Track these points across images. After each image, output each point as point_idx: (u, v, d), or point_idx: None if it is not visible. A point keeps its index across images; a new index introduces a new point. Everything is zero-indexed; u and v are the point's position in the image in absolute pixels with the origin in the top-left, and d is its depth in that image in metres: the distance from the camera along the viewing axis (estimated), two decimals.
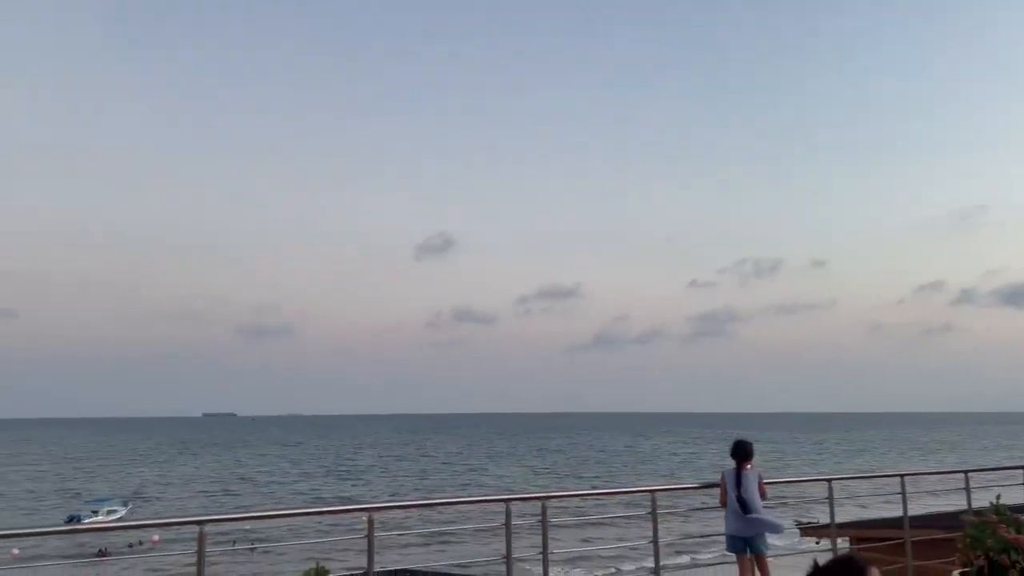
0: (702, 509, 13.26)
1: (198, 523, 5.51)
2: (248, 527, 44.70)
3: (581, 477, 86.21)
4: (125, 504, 62.52)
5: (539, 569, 8.29)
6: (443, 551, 40.06)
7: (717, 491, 9.32)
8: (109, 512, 58.76)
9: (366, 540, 6.71)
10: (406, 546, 38.87)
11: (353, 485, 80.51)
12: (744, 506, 8.86)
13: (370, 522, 6.64)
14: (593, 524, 41.19)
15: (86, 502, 62.94)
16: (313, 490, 75.77)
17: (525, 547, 8.59)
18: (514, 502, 7.91)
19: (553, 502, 8.34)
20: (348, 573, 6.84)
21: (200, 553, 5.51)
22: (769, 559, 9.08)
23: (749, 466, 9.08)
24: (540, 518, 7.92)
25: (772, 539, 9.16)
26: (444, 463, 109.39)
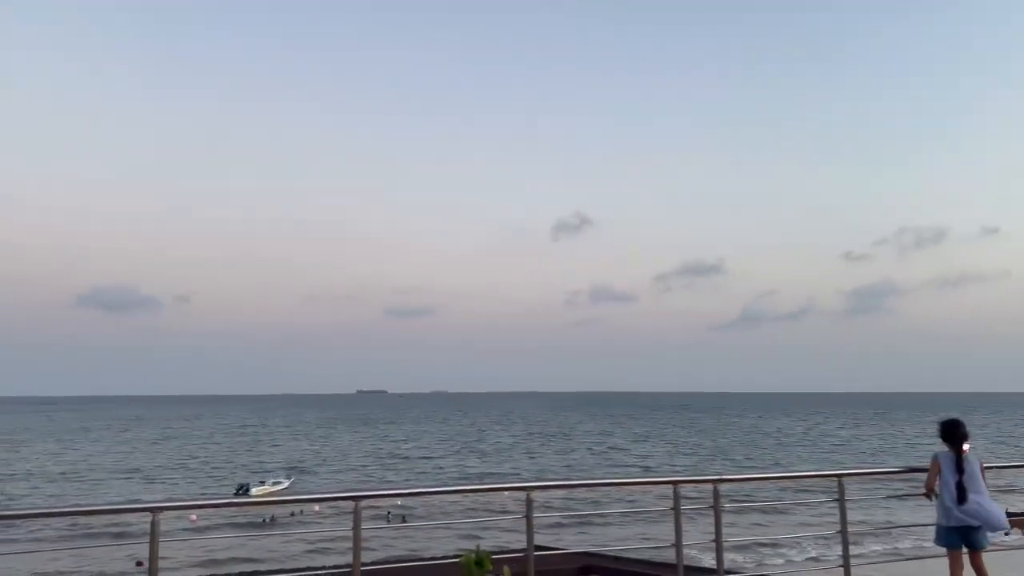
0: (898, 497, 11.69)
1: (353, 499, 5.56)
2: (400, 503, 46.01)
3: (730, 459, 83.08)
4: (288, 476, 66.25)
5: (710, 556, 7.47)
6: (602, 534, 39.19)
7: (914, 478, 8.60)
8: (274, 483, 62.43)
9: (524, 520, 6.17)
10: (561, 527, 38.35)
11: (497, 463, 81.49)
12: (964, 495, 7.81)
13: (528, 502, 6.15)
14: (765, 510, 39.03)
15: (253, 473, 67.18)
16: (459, 467, 77.30)
17: (691, 532, 7.66)
18: (682, 485, 7.34)
19: (725, 486, 7.72)
20: (507, 554, 6.15)
21: (356, 527, 5.32)
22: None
23: (966, 449, 8.02)
24: (711, 503, 7.34)
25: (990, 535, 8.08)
26: (589, 442, 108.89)
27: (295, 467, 75.31)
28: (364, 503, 5.72)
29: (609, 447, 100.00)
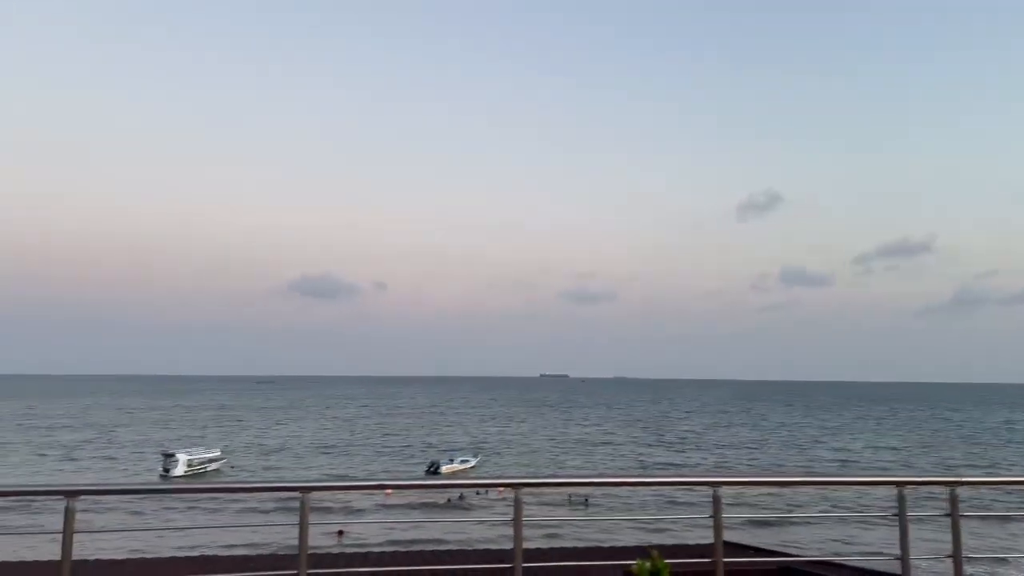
0: None
1: (513, 486, 5.32)
2: (571, 491, 45.25)
3: (949, 457, 74.99)
4: (475, 455, 68.10)
5: (943, 568, 5.90)
6: (799, 536, 36.32)
7: None
8: (462, 461, 64.41)
9: (712, 520, 5.21)
10: (750, 524, 36.01)
11: (682, 452, 79.01)
12: None
13: (716, 499, 5.12)
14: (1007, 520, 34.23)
15: (444, 450, 69.72)
16: (641, 455, 75.67)
17: (916, 540, 6.07)
18: (908, 486, 5.98)
19: (964, 490, 6.12)
20: (690, 559, 5.24)
21: (517, 514, 4.91)
22: None
23: None
24: (948, 509, 5.92)
25: None
26: (782, 435, 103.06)
27: (480, 447, 77.29)
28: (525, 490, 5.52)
29: (807, 440, 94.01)
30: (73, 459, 67.74)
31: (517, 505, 4.97)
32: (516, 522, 4.89)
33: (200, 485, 4.78)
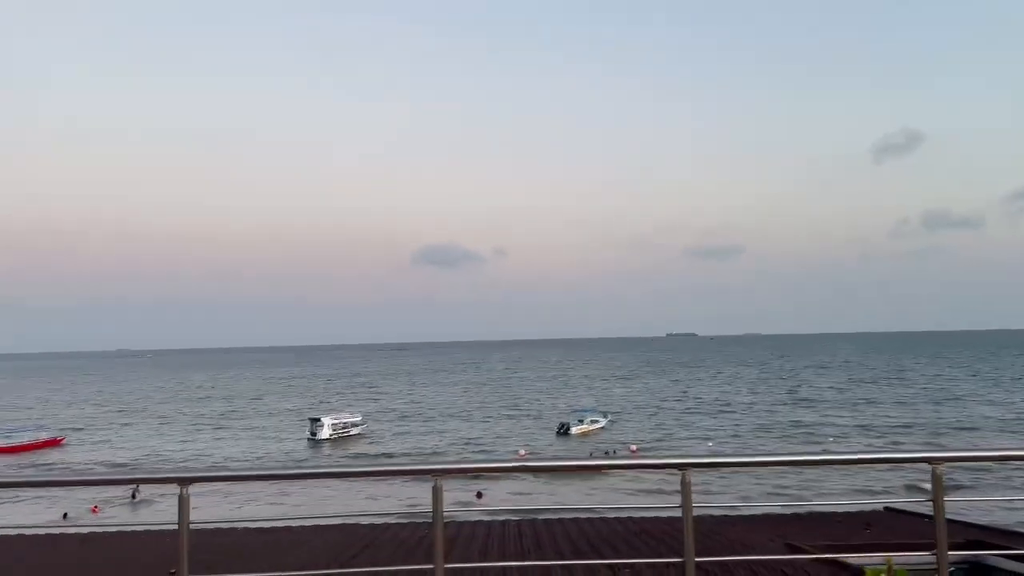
0: None
1: (680, 467, 3.96)
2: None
3: None
4: (605, 415, 67.91)
5: None
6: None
7: None
8: (592, 421, 64.40)
9: (932, 502, 3.89)
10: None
11: (820, 413, 75.63)
12: None
13: (936, 477, 3.81)
14: None
15: (573, 411, 69.93)
16: (777, 417, 72.96)
17: None
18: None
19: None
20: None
21: (686, 500, 3.55)
22: None
23: None
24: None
25: None
26: (929, 389, 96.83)
27: (608, 409, 76.99)
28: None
29: (964, 394, 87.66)
30: (222, 427, 72.83)
31: (685, 489, 3.59)
32: (685, 508, 3.60)
33: (320, 470, 4.22)
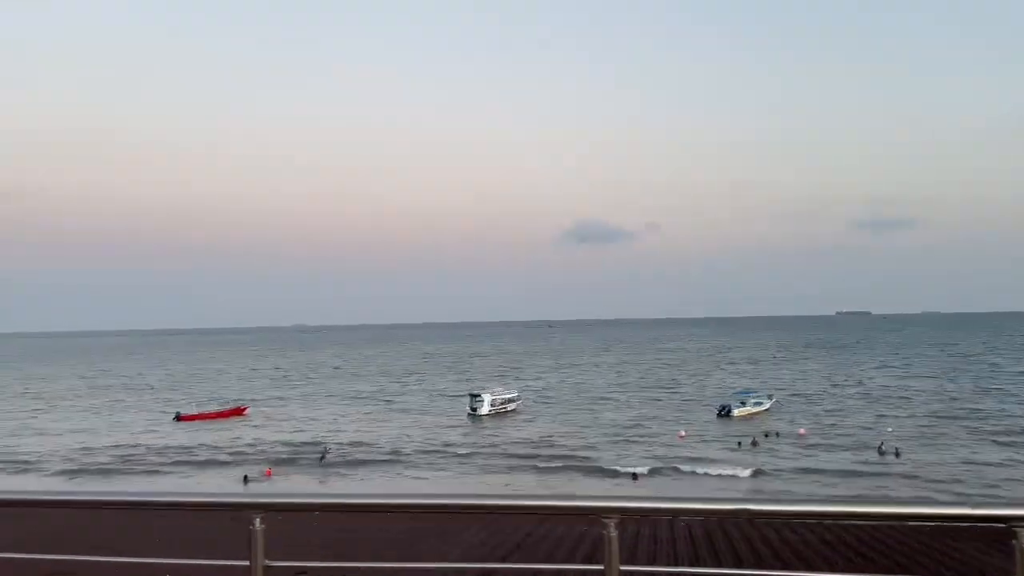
0: None
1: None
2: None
3: None
4: (770, 398, 64.51)
5: None
6: None
7: None
8: (755, 404, 61.33)
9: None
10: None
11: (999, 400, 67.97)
12: None
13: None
14: None
15: (735, 393, 66.98)
16: (952, 411, 66.19)
17: None
18: None
19: None
20: None
21: None
22: None
23: None
24: None
25: None
26: None
27: (770, 390, 72.94)
28: None
29: None
30: (388, 401, 75.70)
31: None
32: None
33: (454, 501, 3.03)
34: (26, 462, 46.35)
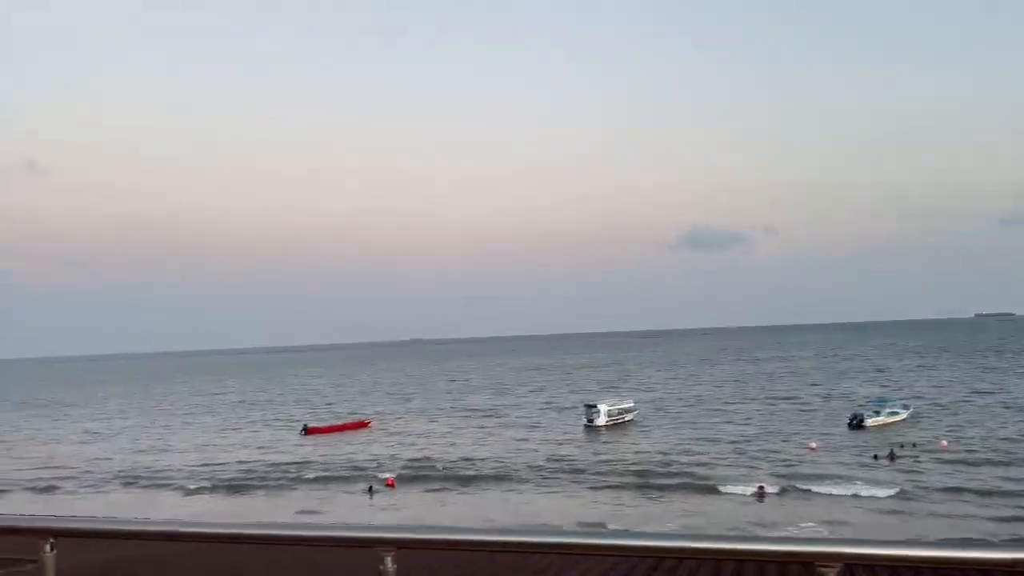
0: None
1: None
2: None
3: None
4: (906, 407, 60.47)
5: None
6: None
7: None
8: (890, 413, 57.57)
9: None
10: None
11: None
12: None
13: None
14: None
15: (868, 402, 63.16)
16: None
17: None
18: None
19: None
20: None
21: None
22: None
23: None
24: None
25: None
26: None
27: (912, 399, 68.30)
28: None
29: None
30: (501, 414, 75.62)
31: None
32: None
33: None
34: (167, 478, 48.81)
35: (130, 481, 48.26)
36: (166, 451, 60.23)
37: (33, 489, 46.61)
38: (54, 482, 48.52)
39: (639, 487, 40.22)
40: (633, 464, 45.85)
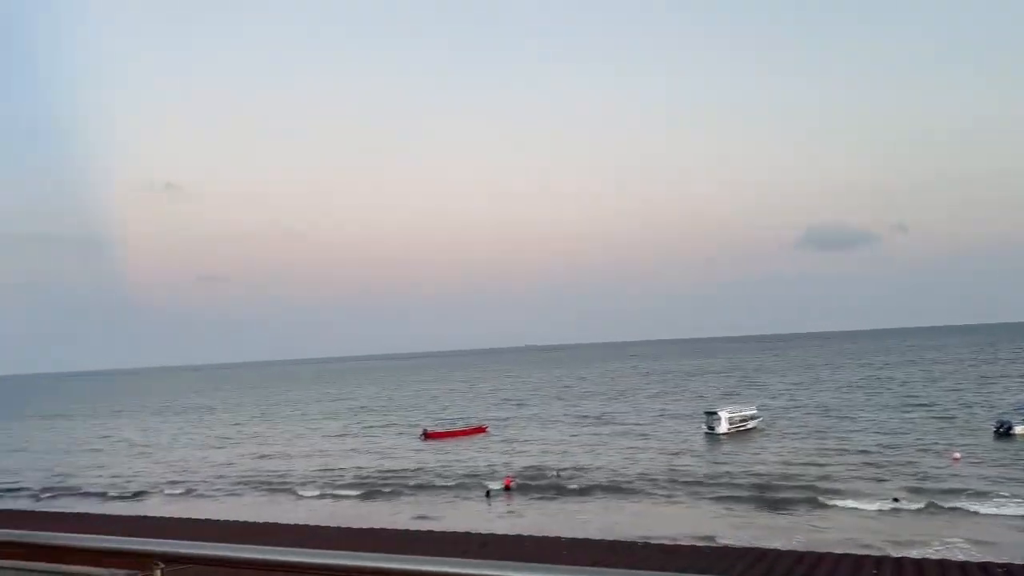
0: None
1: None
2: None
3: None
4: None
5: None
6: None
7: None
8: None
9: None
10: None
11: None
12: None
13: None
14: None
15: (1016, 408, 58.32)
16: None
17: None
18: None
19: None
20: None
21: None
22: None
23: None
24: None
25: None
26: None
27: None
28: None
29: None
30: (616, 422, 74.54)
31: None
32: None
33: None
34: (287, 483, 50.79)
35: (253, 486, 50.46)
36: (289, 456, 62.79)
37: (168, 494, 49.57)
38: (189, 485, 51.70)
39: (762, 499, 38.35)
40: (756, 475, 43.85)
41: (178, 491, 50.17)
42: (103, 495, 50.20)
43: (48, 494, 51.35)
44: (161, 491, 50.37)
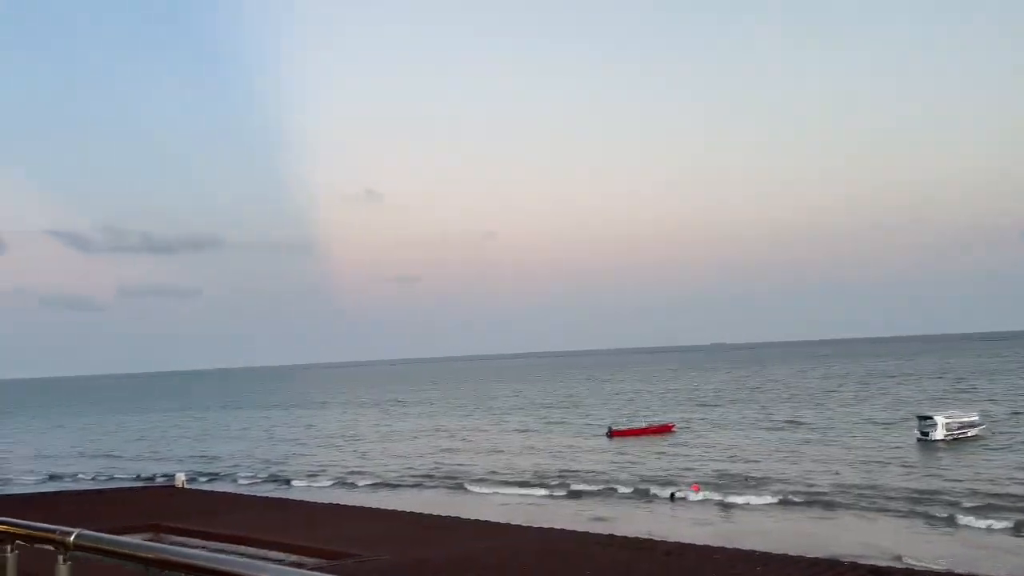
0: None
1: None
2: None
3: None
4: None
5: None
6: None
7: None
8: None
9: None
10: None
11: None
12: None
13: None
14: None
15: None
16: None
17: None
18: None
19: None
20: None
21: None
22: None
23: None
24: None
25: None
26: None
27: None
28: None
29: None
30: (808, 426, 69.65)
31: None
32: None
33: None
34: (474, 479, 51.48)
35: (435, 480, 51.69)
36: (474, 452, 64.01)
37: (346, 484, 51.28)
38: (357, 479, 52.93)
39: (988, 519, 33.75)
40: (978, 489, 38.86)
41: (367, 482, 51.96)
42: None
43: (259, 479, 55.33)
44: (354, 483, 52.13)
